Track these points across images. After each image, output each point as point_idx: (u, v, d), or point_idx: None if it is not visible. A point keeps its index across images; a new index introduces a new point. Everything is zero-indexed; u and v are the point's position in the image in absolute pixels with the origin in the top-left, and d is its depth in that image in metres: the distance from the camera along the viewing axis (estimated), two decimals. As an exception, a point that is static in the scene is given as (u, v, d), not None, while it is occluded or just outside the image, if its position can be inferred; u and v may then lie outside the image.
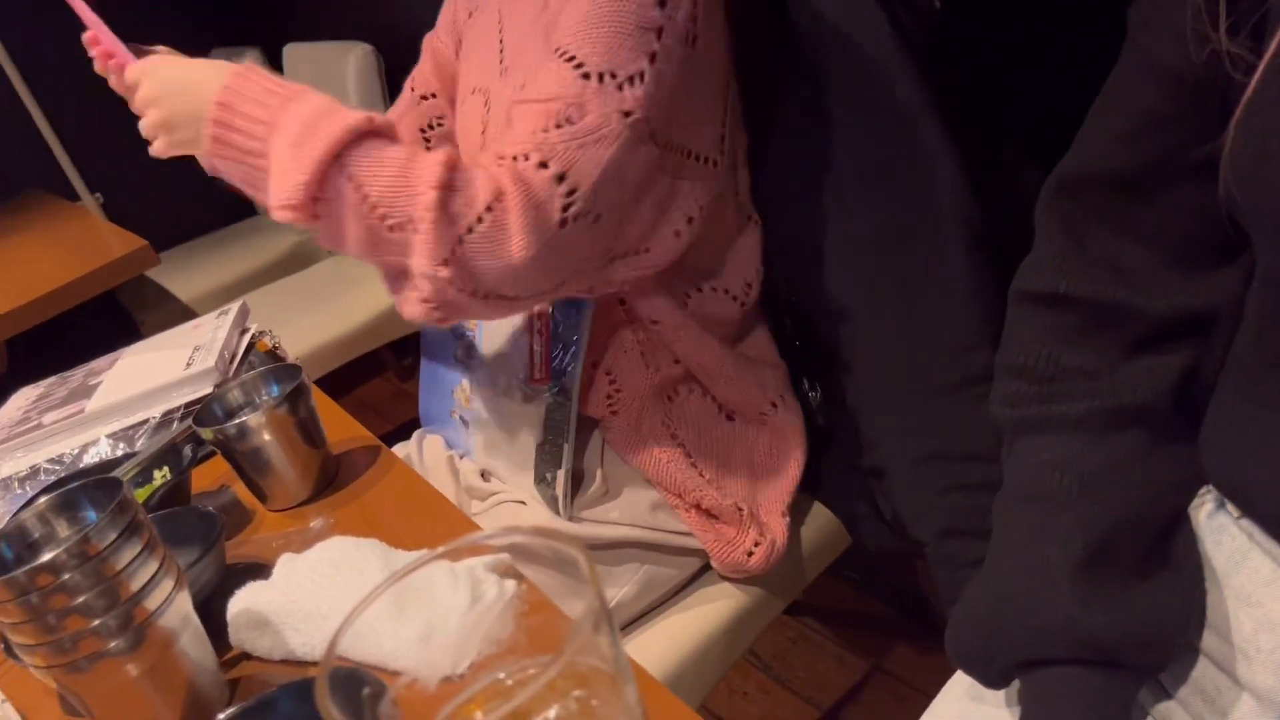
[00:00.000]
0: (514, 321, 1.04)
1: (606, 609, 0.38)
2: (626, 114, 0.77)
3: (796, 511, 1.11)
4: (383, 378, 2.83)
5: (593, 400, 1.03)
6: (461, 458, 1.19)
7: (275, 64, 2.46)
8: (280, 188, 0.78)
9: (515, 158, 0.77)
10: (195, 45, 3.11)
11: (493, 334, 1.09)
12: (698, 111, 0.87)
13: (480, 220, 0.76)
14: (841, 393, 1.10)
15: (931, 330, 0.99)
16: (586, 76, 0.77)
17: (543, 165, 0.76)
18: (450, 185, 0.76)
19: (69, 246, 2.11)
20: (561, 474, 1.03)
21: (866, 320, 1.02)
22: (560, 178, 0.76)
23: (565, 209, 0.77)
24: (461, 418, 1.18)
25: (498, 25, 1.02)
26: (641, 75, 0.78)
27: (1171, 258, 0.62)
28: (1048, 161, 0.69)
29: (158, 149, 0.90)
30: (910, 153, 0.97)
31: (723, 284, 1.02)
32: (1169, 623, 0.61)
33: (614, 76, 0.77)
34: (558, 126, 0.77)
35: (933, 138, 0.95)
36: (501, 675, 0.42)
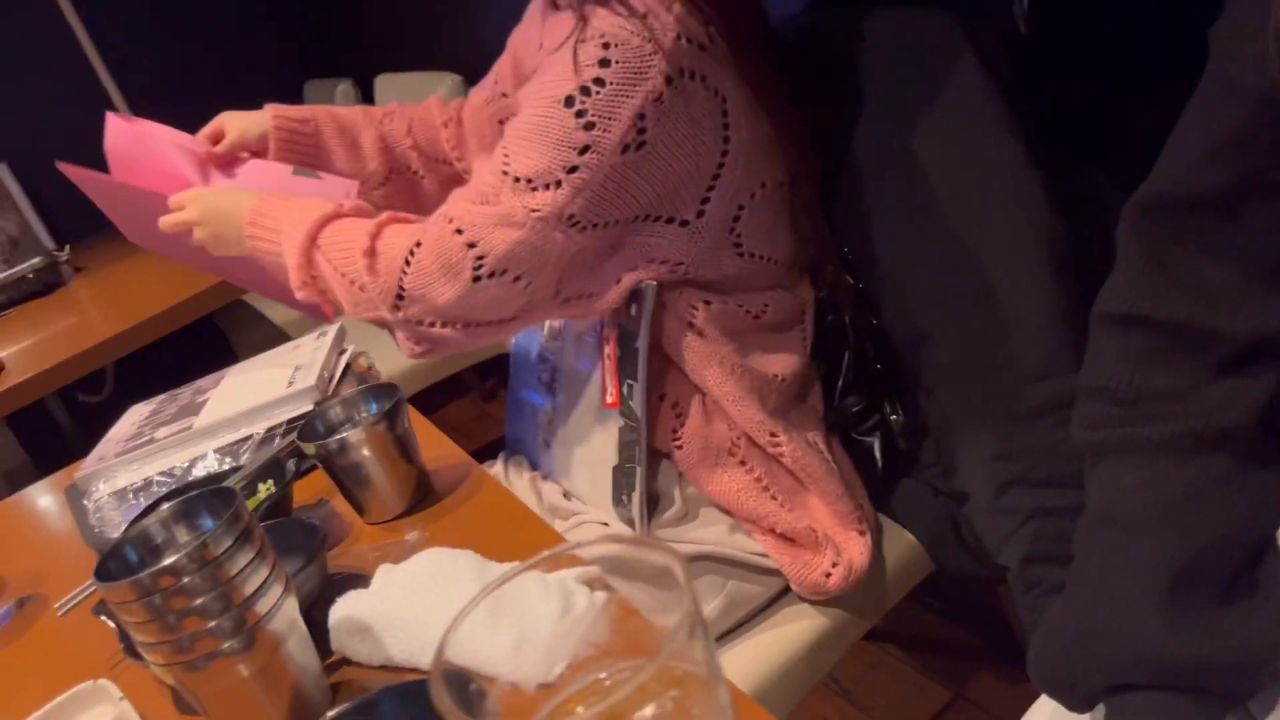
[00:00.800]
0: (592, 348, 1.07)
1: (701, 616, 0.40)
2: (534, 210, 0.89)
3: (877, 534, 1.11)
4: (466, 399, 2.89)
5: (659, 433, 1.05)
6: (544, 479, 1.22)
7: (367, 93, 2.55)
8: (291, 279, 1.01)
9: (446, 218, 0.93)
10: (291, 77, 3.25)
11: (573, 359, 1.12)
12: (656, 188, 0.93)
13: (404, 272, 0.93)
14: (923, 416, 1.11)
15: (1015, 354, 0.98)
16: (506, 174, 0.91)
17: (459, 232, 0.91)
18: (371, 251, 0.95)
19: (172, 273, 2.20)
20: (636, 495, 1.05)
21: (948, 344, 1.03)
22: (470, 245, 0.91)
23: (476, 269, 0.91)
24: (545, 440, 1.21)
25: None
26: (557, 183, 0.89)
27: (1257, 277, 0.61)
28: (1132, 183, 0.69)
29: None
30: (993, 177, 0.97)
31: (735, 300, 1.03)
32: (1257, 649, 0.60)
33: (529, 182, 0.89)
34: (479, 204, 0.92)
35: (1016, 161, 0.96)
36: (601, 676, 0.44)
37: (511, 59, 1.22)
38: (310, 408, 1.04)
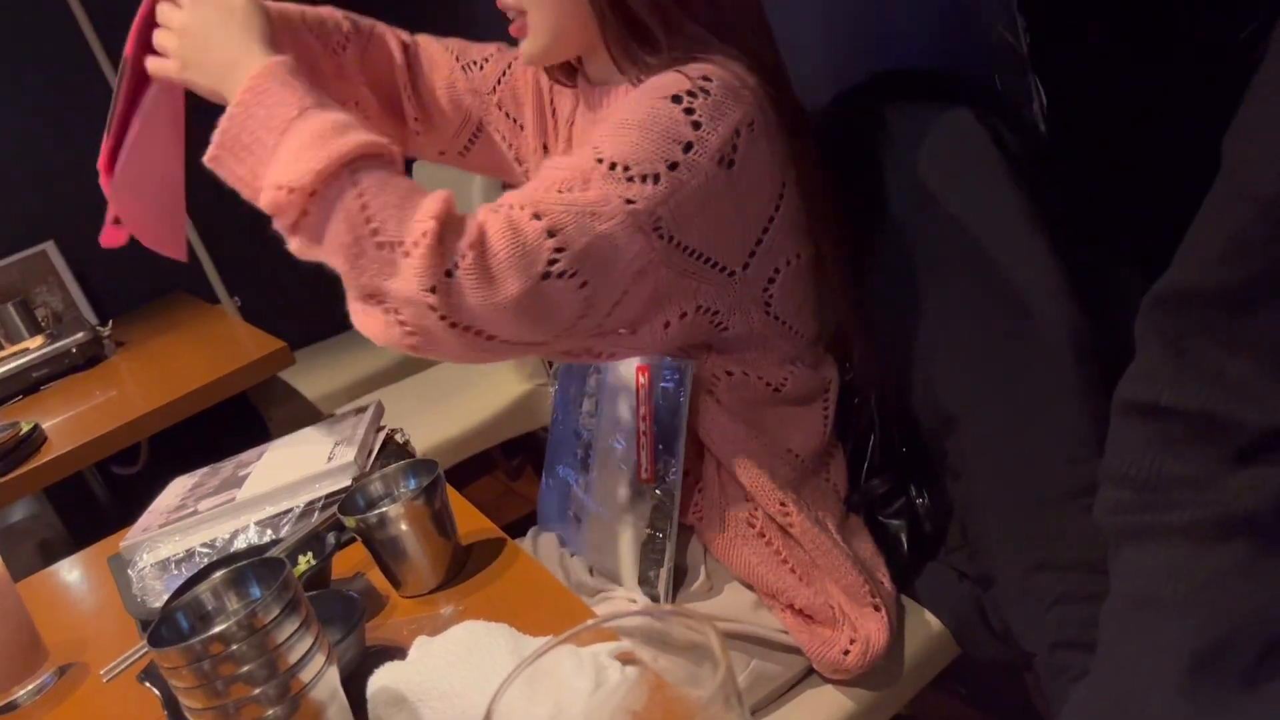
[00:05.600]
0: (628, 423, 1.10)
1: (736, 686, 0.42)
2: (629, 201, 0.85)
3: (897, 613, 1.11)
4: (492, 476, 2.91)
5: (683, 506, 1.07)
6: (572, 555, 1.23)
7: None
8: (286, 169, 0.83)
9: (511, 206, 0.84)
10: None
11: (608, 435, 1.14)
12: (723, 224, 0.94)
13: (464, 256, 0.81)
14: (948, 500, 1.12)
15: (1040, 440, 1.00)
16: (600, 162, 0.86)
17: (536, 217, 0.83)
18: (448, 220, 0.82)
19: (209, 347, 2.26)
20: (664, 572, 1.07)
21: (973, 429, 1.05)
22: (550, 233, 0.82)
23: (551, 263, 0.82)
24: (575, 515, 1.23)
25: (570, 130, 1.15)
26: (656, 177, 0.85)
27: (1273, 371, 0.63)
28: (1154, 273, 0.71)
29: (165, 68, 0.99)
30: (1016, 267, 1.00)
31: (755, 372, 1.05)
32: (1281, 734, 0.61)
33: (626, 169, 0.85)
34: (559, 192, 0.85)
35: (1037, 252, 0.99)
36: (640, 744, 0.46)
37: (511, 87, 1.24)
38: (349, 482, 1.07)
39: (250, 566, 0.73)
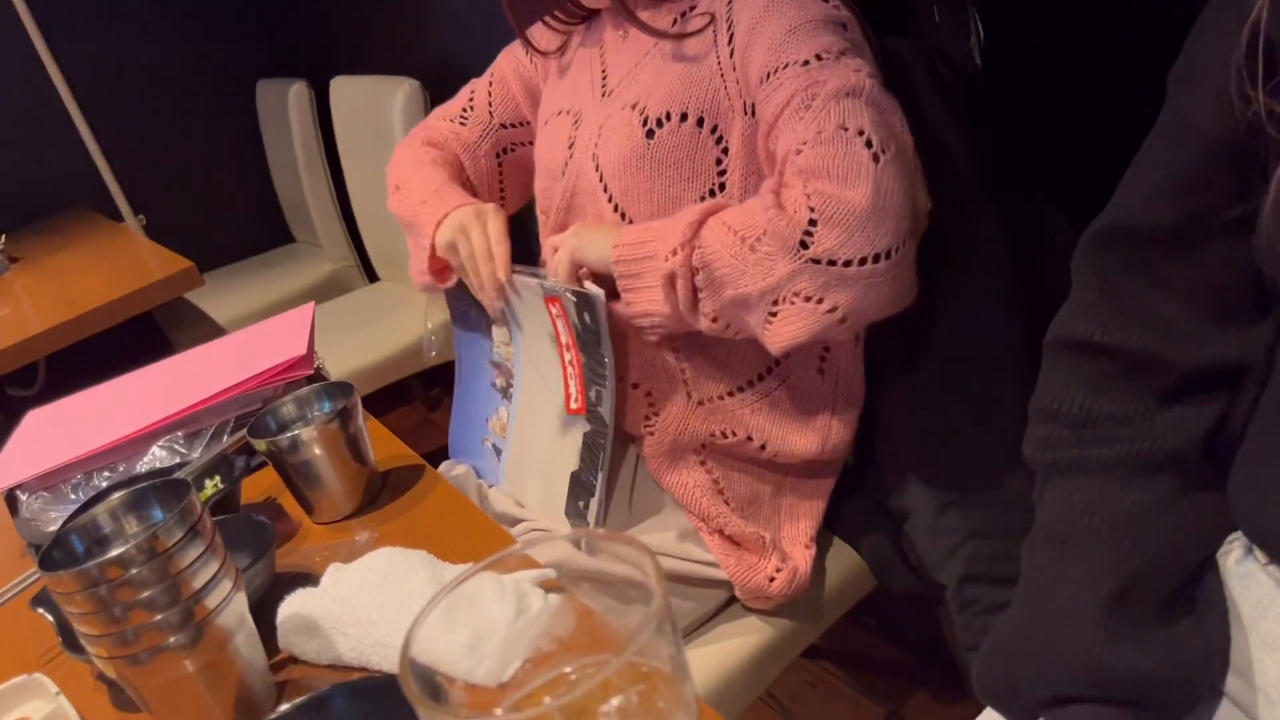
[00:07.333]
0: (550, 353, 1.07)
1: (670, 612, 0.40)
2: (856, 69, 0.87)
3: (823, 550, 1.12)
4: (410, 407, 2.86)
5: (630, 417, 1.05)
6: (490, 487, 1.21)
7: (322, 96, 2.52)
8: (668, 236, 0.91)
9: (798, 150, 0.86)
10: (244, 76, 3.18)
11: (532, 364, 1.12)
12: None
13: (810, 197, 0.83)
14: (871, 436, 1.13)
15: (957, 377, 1.01)
16: (807, 64, 0.88)
17: (843, 128, 0.84)
18: (777, 193, 0.86)
19: (112, 266, 2.16)
20: (594, 503, 1.06)
21: (897, 367, 1.05)
22: (843, 128, 0.84)
23: (869, 146, 0.83)
24: (494, 446, 1.21)
25: (600, 58, 1.10)
26: (845, 51, 0.89)
27: (1205, 312, 0.64)
28: (1079, 216, 0.71)
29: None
30: (949, 203, 0.99)
31: None
32: (1194, 665, 0.62)
33: (819, 58, 0.88)
34: (804, 110, 0.86)
35: (971, 189, 0.98)
36: (567, 670, 0.44)
37: (522, 86, 1.23)
38: (259, 405, 1.03)
39: (152, 488, 0.69)
